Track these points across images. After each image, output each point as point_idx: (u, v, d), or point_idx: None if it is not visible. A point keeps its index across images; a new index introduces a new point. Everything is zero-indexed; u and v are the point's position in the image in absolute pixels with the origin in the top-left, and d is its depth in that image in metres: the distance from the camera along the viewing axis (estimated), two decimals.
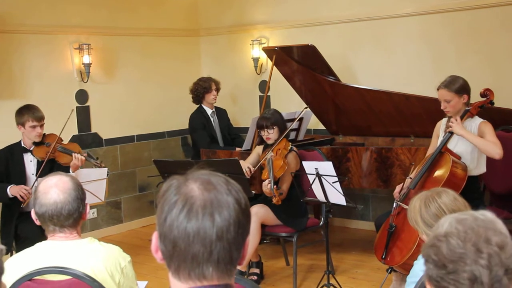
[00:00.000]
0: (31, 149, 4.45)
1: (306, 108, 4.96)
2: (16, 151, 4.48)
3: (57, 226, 2.21)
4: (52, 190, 2.20)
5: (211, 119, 6.02)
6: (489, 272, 1.22)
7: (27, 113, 4.38)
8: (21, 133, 4.47)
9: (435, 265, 1.27)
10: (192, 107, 6.07)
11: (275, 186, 4.29)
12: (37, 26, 5.64)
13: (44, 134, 4.48)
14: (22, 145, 4.49)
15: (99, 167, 4.47)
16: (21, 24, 5.53)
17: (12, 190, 4.30)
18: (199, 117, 5.96)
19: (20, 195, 4.27)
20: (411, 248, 3.63)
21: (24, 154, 4.48)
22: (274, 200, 4.27)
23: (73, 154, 4.39)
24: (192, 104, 6.07)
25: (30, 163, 4.48)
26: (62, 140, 4.53)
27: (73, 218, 2.22)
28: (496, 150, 3.80)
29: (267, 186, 4.31)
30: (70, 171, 4.40)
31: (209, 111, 6.02)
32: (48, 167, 4.38)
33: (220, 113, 6.15)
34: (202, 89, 5.95)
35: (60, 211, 2.18)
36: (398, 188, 4.12)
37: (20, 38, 5.57)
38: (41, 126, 4.40)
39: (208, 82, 5.99)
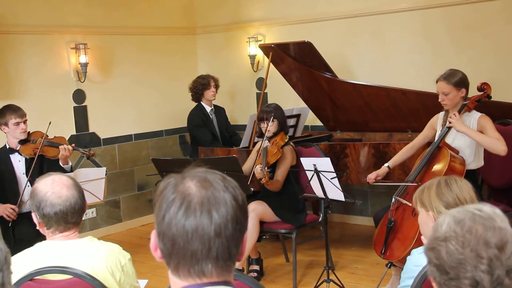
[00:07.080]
0: (17, 148, 4.42)
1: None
2: (2, 153, 4.45)
3: (69, 224, 2.21)
4: (60, 188, 2.19)
5: (210, 116, 6.02)
6: (490, 277, 1.21)
7: (8, 111, 4.37)
8: (6, 135, 4.44)
9: (438, 269, 1.28)
10: (190, 105, 6.06)
11: (266, 168, 4.32)
12: (33, 26, 5.63)
13: (29, 132, 4.47)
14: (8, 147, 4.46)
15: (88, 155, 4.50)
16: (16, 25, 5.51)
17: None
18: (198, 114, 5.96)
19: (7, 215, 4.22)
20: (411, 242, 3.64)
21: (11, 155, 4.44)
22: (263, 181, 4.30)
23: (60, 146, 4.38)
24: (190, 102, 6.07)
25: (18, 163, 4.45)
26: (48, 136, 4.50)
27: (81, 214, 2.23)
28: (501, 147, 3.76)
29: (258, 170, 4.35)
30: (60, 164, 4.41)
31: (208, 108, 6.02)
32: (37, 163, 4.37)
33: (219, 111, 6.15)
34: (200, 86, 5.95)
35: (73, 206, 2.18)
36: (373, 174, 4.19)
37: (16, 39, 5.55)
38: (24, 122, 4.40)
39: (207, 78, 6.00)
